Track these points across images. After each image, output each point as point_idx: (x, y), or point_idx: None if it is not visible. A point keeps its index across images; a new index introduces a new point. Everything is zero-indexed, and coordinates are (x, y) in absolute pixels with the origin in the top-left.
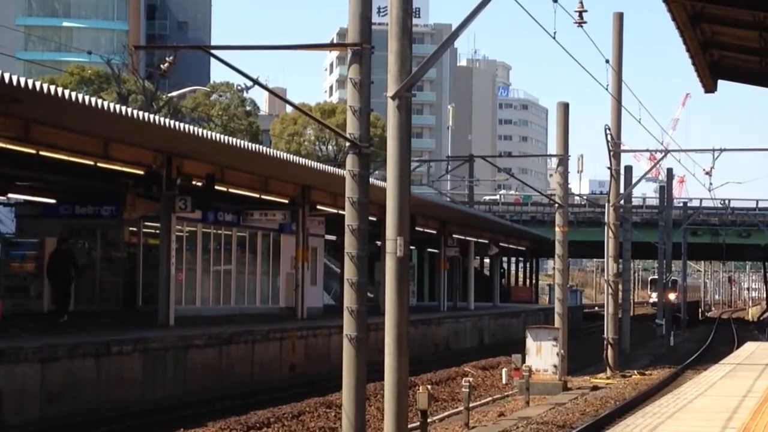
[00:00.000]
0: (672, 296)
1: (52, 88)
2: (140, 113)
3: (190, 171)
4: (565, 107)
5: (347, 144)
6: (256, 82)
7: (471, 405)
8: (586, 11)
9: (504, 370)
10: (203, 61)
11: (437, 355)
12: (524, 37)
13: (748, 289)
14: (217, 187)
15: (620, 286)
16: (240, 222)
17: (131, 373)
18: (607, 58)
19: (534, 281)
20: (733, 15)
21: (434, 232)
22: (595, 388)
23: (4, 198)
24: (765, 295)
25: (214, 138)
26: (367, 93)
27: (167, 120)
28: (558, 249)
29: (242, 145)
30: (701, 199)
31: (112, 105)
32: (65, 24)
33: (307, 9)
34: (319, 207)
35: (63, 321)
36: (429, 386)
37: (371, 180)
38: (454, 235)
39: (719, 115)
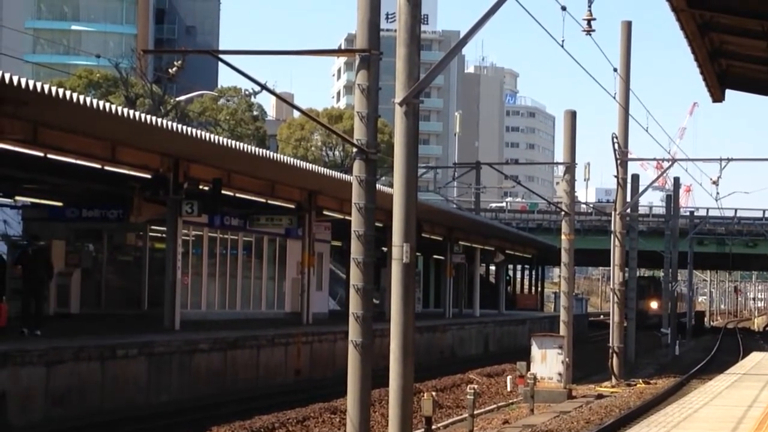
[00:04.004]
0: (654, 305)
1: (60, 91)
2: (148, 117)
3: (197, 175)
4: (572, 115)
5: (354, 150)
6: (263, 87)
7: (475, 412)
8: (594, 19)
9: (509, 377)
10: (211, 65)
11: (442, 361)
12: (532, 44)
13: (754, 299)
14: (223, 192)
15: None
16: (246, 226)
17: (136, 376)
18: (615, 67)
19: (539, 289)
20: (741, 25)
21: (440, 238)
22: (599, 396)
23: (11, 200)
24: None
25: (221, 142)
26: (375, 99)
27: (175, 124)
28: (564, 257)
29: (249, 150)
30: (708, 209)
31: (119, 108)
32: (74, 27)
33: (316, 14)
34: (325, 212)
35: (37, 334)
36: (434, 393)
37: (378, 186)
38: (460, 242)
39: (727, 124)
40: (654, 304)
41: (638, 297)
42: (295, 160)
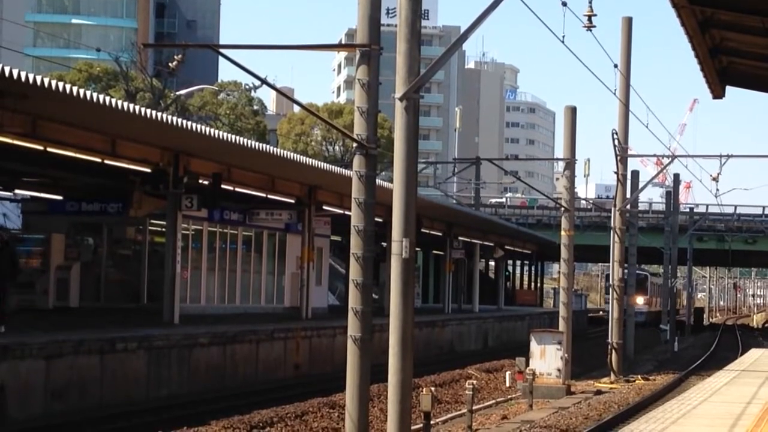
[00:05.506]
0: (640, 300)
1: (61, 84)
2: (148, 111)
3: (197, 169)
4: (572, 111)
5: (354, 145)
6: (264, 81)
7: (474, 408)
8: (595, 15)
9: (508, 373)
10: (211, 59)
11: (441, 357)
12: (533, 40)
13: (753, 295)
14: (223, 186)
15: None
16: (246, 221)
17: (136, 370)
18: (616, 63)
19: (539, 284)
20: (742, 21)
21: (440, 234)
22: (598, 392)
23: (11, 194)
24: None
25: (221, 137)
26: (375, 94)
27: (175, 118)
28: (563, 253)
29: (249, 145)
30: (707, 205)
31: (119, 102)
32: (74, 21)
33: (316, 9)
34: (325, 207)
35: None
36: (432, 388)
37: (378, 181)
38: (459, 238)
39: (727, 121)
40: (640, 300)
41: (623, 292)
42: (295, 155)
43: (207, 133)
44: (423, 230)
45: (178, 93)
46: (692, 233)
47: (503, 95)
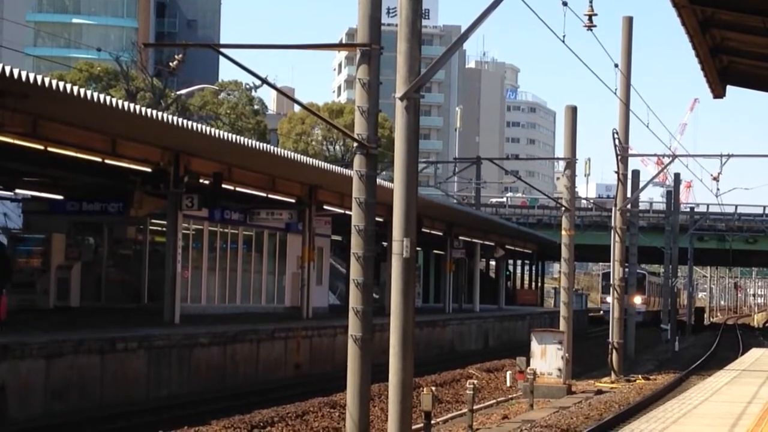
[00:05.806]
0: (638, 300)
1: (61, 84)
2: (148, 111)
3: (197, 169)
4: (573, 111)
5: (355, 144)
6: (264, 81)
7: (475, 407)
8: (596, 15)
9: (508, 372)
10: (212, 59)
11: (442, 356)
12: (533, 39)
13: (753, 295)
14: (224, 186)
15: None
16: (247, 221)
17: (136, 370)
18: (616, 62)
19: (539, 284)
20: (743, 21)
21: (441, 233)
22: (599, 392)
23: (12, 193)
24: None
25: (221, 136)
26: (376, 94)
27: (175, 118)
28: (564, 252)
29: (250, 144)
30: (708, 205)
31: (120, 102)
32: (75, 20)
33: (316, 9)
34: (325, 207)
35: None
36: (433, 388)
37: (378, 181)
38: (460, 237)
39: (728, 120)
40: (637, 300)
41: (623, 292)
42: (296, 155)
43: (207, 132)
44: (424, 230)
45: (178, 93)
46: (693, 233)
47: (504, 95)
